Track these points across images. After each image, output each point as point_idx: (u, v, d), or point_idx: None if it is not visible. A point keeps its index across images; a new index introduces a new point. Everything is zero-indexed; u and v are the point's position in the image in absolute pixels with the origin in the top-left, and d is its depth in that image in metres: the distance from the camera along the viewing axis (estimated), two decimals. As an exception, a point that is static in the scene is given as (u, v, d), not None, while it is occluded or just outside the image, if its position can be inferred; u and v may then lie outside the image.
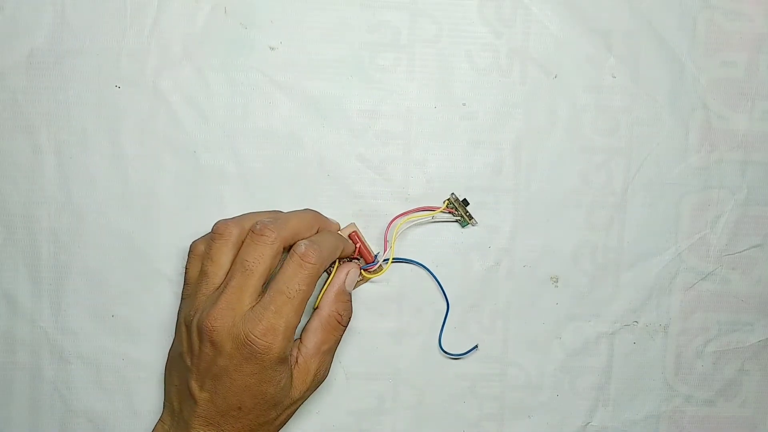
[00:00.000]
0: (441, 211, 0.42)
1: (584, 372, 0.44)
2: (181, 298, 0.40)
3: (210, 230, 0.38)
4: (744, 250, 0.44)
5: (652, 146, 0.43)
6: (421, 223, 0.43)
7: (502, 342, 0.44)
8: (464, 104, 0.43)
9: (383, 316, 0.43)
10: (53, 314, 0.42)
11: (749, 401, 0.45)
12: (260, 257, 0.36)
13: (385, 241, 0.42)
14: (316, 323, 0.39)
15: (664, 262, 0.44)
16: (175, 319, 0.42)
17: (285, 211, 0.40)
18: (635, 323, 0.44)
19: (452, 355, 0.43)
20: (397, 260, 0.42)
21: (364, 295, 0.43)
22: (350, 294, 0.40)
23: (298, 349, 0.38)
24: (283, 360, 0.36)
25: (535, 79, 0.43)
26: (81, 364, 0.42)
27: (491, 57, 0.42)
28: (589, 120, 0.43)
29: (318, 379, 0.39)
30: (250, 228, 0.37)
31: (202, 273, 0.38)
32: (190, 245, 0.39)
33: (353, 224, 0.41)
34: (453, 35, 0.42)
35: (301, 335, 0.39)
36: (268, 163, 0.42)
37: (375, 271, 0.42)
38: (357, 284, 0.42)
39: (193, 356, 0.37)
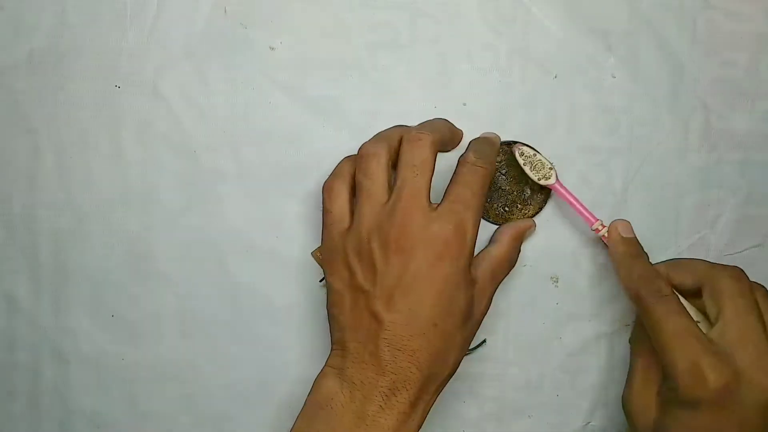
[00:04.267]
0: None
1: (584, 372, 0.44)
2: (329, 238, 0.38)
3: (357, 153, 0.38)
4: (744, 250, 0.44)
5: (652, 146, 0.43)
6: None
7: (502, 342, 0.44)
8: (464, 104, 0.43)
9: (383, 316, 0.43)
10: (53, 314, 0.42)
11: (749, 401, 0.45)
12: (426, 160, 0.36)
13: None
14: (495, 251, 0.39)
15: (664, 262, 0.44)
16: (171, 316, 0.42)
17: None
18: (635, 323, 0.44)
19: None
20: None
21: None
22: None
23: (475, 270, 0.37)
24: (471, 263, 0.36)
25: (535, 79, 0.43)
26: (81, 364, 0.42)
27: (491, 57, 0.42)
28: (589, 120, 0.43)
29: (485, 311, 0.38)
30: (402, 138, 0.38)
31: (364, 194, 0.37)
32: (325, 186, 0.38)
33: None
34: (453, 35, 0.42)
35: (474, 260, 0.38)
36: (268, 163, 0.42)
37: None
38: None
39: (376, 276, 0.35)
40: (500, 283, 0.39)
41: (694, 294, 0.38)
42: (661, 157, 0.43)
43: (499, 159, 0.42)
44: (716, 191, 0.43)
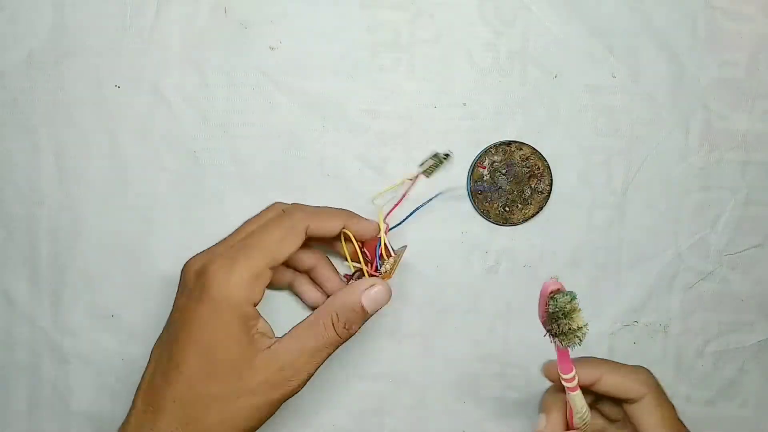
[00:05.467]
0: (412, 178, 0.42)
1: (584, 372, 0.44)
2: None
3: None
4: (744, 250, 0.44)
5: (652, 146, 0.43)
6: (421, 224, 0.43)
7: (502, 342, 0.44)
8: (464, 104, 0.43)
9: (383, 315, 0.43)
10: (53, 314, 0.42)
11: (749, 401, 0.45)
12: (264, 224, 0.37)
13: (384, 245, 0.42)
14: (310, 318, 0.36)
15: (664, 262, 0.44)
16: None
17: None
18: (635, 323, 0.44)
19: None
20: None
21: (364, 295, 0.43)
22: (365, 311, 0.36)
23: (278, 339, 0.36)
24: (243, 315, 0.34)
25: (535, 79, 0.43)
26: (80, 364, 0.42)
27: (491, 57, 0.42)
28: (589, 120, 0.43)
29: (284, 378, 0.34)
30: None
31: None
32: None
33: (405, 247, 0.41)
34: (453, 35, 0.42)
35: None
36: (268, 163, 0.42)
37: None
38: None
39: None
40: (318, 354, 0.35)
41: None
42: (661, 157, 0.43)
43: (498, 159, 0.42)
44: (716, 191, 0.44)
